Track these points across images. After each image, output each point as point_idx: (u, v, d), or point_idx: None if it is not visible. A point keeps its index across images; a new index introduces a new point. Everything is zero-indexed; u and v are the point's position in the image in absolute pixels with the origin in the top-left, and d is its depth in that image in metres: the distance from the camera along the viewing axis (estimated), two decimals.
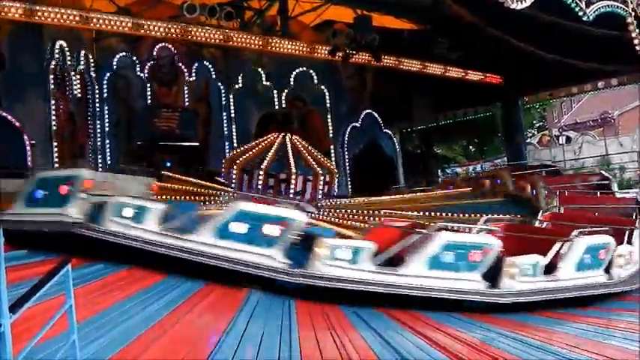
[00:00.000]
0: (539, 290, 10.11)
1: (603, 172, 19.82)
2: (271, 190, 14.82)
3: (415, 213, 14.97)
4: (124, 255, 8.76)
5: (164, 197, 13.17)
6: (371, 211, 15.64)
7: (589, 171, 23.55)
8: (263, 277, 8.91)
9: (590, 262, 10.72)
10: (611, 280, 11.04)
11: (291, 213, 9.54)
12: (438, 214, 15.42)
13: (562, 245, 10.78)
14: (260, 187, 14.86)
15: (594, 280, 10.80)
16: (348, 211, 15.49)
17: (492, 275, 9.88)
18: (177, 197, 14.40)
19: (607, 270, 11.03)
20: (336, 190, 17.67)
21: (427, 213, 15.43)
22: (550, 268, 10.48)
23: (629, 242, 11.97)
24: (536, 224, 14.15)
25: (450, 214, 15.51)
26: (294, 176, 14.91)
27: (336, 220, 14.46)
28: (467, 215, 15.08)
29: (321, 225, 13.60)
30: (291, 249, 9.30)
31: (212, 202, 14.35)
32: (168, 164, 19.57)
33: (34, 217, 8.96)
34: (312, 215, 13.37)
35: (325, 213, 15.00)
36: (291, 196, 14.88)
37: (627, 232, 12.18)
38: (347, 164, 24.54)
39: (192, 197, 14.72)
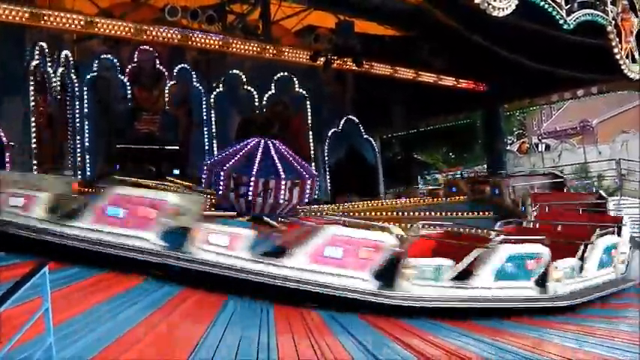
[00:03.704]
0: (443, 297, 9.71)
1: (601, 192, 19.78)
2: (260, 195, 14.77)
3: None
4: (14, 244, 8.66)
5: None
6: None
7: (587, 190, 23.55)
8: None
9: (514, 271, 10.29)
10: (544, 294, 10.62)
11: (165, 195, 9.50)
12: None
13: (482, 252, 10.33)
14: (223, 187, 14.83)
15: (518, 292, 10.39)
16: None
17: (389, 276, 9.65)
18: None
19: (541, 283, 10.67)
20: (317, 195, 17.67)
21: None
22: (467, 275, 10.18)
23: (581, 258, 11.77)
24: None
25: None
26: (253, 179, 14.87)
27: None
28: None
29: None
30: (168, 233, 9.20)
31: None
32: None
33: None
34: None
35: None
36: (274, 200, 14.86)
37: (582, 246, 11.93)
38: (327, 169, 24.54)
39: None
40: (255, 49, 19.30)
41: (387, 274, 9.47)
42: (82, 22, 16.35)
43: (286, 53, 20.12)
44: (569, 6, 17.13)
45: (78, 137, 19.26)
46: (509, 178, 20.76)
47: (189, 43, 18.35)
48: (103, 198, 9.16)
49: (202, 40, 18.37)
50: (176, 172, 20.06)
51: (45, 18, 15.67)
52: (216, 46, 18.70)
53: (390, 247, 9.51)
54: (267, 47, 19.56)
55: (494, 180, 20.62)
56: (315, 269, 9.07)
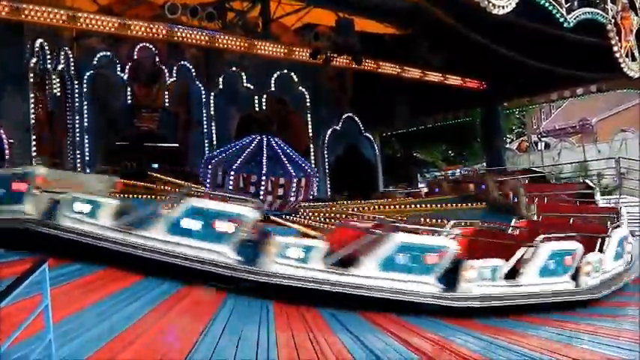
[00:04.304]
0: (498, 295, 10.12)
1: (588, 182, 19.90)
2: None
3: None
4: (78, 251, 8.67)
5: (126, 195, 13.16)
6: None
7: (572, 180, 23.68)
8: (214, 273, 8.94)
9: (555, 268, 10.77)
10: (578, 287, 11.11)
11: (244, 210, 9.48)
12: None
13: (526, 251, 10.87)
14: (232, 187, 14.80)
15: (559, 286, 10.85)
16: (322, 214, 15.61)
17: (450, 279, 9.93)
18: (140, 196, 14.33)
19: (574, 277, 11.08)
20: (316, 193, 17.65)
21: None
22: (513, 274, 10.54)
23: (601, 250, 12.08)
24: (510, 231, 14.22)
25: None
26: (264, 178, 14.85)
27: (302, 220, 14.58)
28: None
29: (284, 224, 13.79)
30: (243, 246, 9.28)
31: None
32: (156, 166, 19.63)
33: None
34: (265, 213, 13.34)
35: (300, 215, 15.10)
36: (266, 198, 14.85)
37: (599, 240, 12.31)
38: (327, 167, 24.53)
39: (157, 196, 14.66)
40: (243, 45, 19.27)
41: (449, 276, 9.86)
42: (63, 17, 16.26)
43: (285, 51, 20.13)
44: (569, 4, 17.13)
45: (77, 134, 19.25)
46: (534, 185, 20.81)
47: (175, 38, 18.29)
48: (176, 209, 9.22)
49: (189, 36, 18.32)
50: (155, 165, 19.89)
51: (25, 12, 15.58)
52: (203, 42, 18.70)
53: (453, 252, 9.81)
54: (257, 43, 19.51)
55: (480, 178, 20.70)
56: (385, 276, 9.36)
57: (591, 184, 19.45)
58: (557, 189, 19.65)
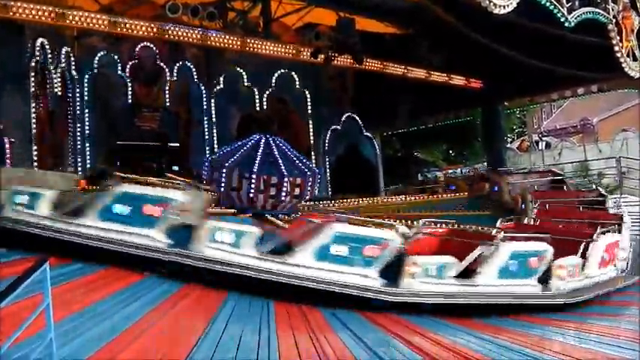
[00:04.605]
0: (445, 293, 9.76)
1: (600, 189, 19.77)
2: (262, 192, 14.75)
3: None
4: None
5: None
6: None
7: (587, 188, 23.55)
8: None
9: (518, 269, 10.30)
10: (546, 291, 10.68)
11: (172, 193, 9.36)
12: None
13: (486, 250, 10.44)
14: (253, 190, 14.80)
15: (521, 289, 10.41)
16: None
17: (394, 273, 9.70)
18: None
19: (543, 280, 10.69)
20: (317, 192, 17.66)
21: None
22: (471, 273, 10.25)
23: (583, 255, 11.77)
24: (532, 222, 14.21)
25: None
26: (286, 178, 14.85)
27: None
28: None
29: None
30: (176, 230, 9.18)
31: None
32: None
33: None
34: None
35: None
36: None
37: (583, 244, 11.93)
38: (327, 167, 24.54)
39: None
40: (244, 44, 19.26)
41: (392, 271, 9.51)
42: (52, 15, 16.22)
43: (286, 51, 20.13)
44: (570, 4, 17.14)
45: (78, 134, 19.26)
46: (509, 176, 20.71)
47: (176, 37, 18.28)
48: (108, 195, 9.13)
49: (190, 35, 18.31)
50: (175, 168, 20.00)
51: (13, 10, 15.53)
52: (204, 42, 18.70)
53: (396, 245, 9.53)
54: (257, 43, 19.50)
55: (493, 177, 20.60)
56: (321, 267, 9.09)
57: (604, 192, 19.24)
58: (571, 196, 19.41)
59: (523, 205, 17.01)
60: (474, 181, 21.56)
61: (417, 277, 9.48)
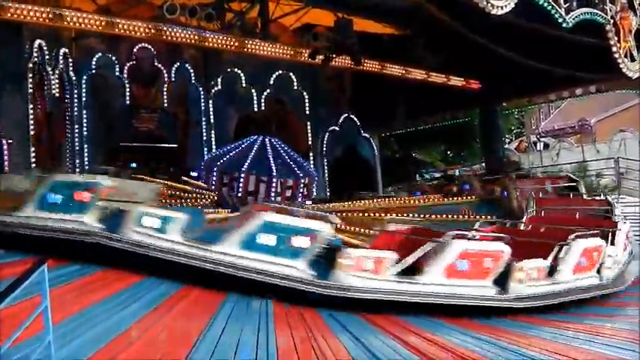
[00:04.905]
0: (544, 294, 10.26)
1: (570, 175, 19.85)
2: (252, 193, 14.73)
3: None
4: (145, 266, 8.62)
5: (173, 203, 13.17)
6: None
7: (555, 174, 23.62)
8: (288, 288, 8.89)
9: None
10: (602, 281, 11.19)
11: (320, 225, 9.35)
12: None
13: (560, 249, 10.83)
14: (241, 190, 14.79)
15: (589, 282, 10.93)
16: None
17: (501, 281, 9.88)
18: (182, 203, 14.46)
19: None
20: (315, 193, 17.65)
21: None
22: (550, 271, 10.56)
23: (613, 243, 12.03)
24: (522, 227, 14.21)
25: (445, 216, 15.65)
26: (274, 179, 14.84)
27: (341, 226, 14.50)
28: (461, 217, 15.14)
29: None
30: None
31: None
32: (134, 165, 19.67)
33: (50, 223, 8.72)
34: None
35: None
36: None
37: (611, 233, 12.26)
38: (325, 168, 24.54)
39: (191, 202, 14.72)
40: (242, 45, 19.25)
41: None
42: (50, 16, 16.18)
43: (284, 51, 20.13)
44: (567, 4, 17.14)
45: (76, 135, 19.25)
46: (519, 180, 20.60)
47: (164, 37, 18.24)
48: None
49: (188, 36, 18.28)
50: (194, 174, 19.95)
51: (11, 11, 15.40)
52: (202, 43, 18.69)
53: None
54: (255, 43, 19.50)
55: (504, 181, 20.49)
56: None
57: (573, 177, 19.35)
58: (543, 183, 19.55)
59: (505, 193, 17.13)
60: (487, 183, 21.43)
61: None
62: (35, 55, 17.27)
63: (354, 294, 9.02)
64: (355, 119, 25.45)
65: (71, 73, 19.19)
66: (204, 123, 21.90)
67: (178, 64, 21.31)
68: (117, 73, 20.25)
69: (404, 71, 22.46)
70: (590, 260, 11.32)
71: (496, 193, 18.87)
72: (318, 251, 9.29)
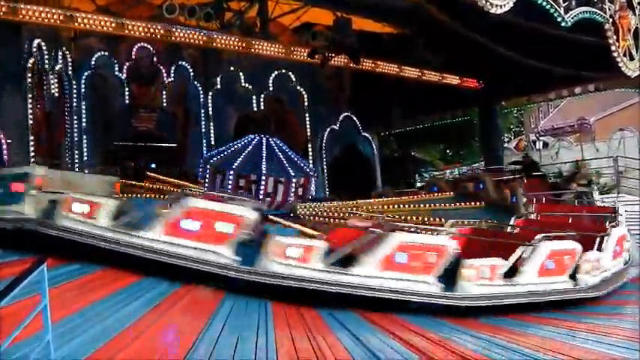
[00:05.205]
0: (497, 294, 9.99)
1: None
2: (242, 190, 14.73)
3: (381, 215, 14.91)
4: (77, 252, 8.62)
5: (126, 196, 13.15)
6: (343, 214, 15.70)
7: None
8: (212, 274, 8.83)
9: (552, 267, 10.63)
10: (577, 286, 10.97)
11: (245, 210, 9.39)
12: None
13: (525, 250, 10.77)
14: (230, 187, 14.80)
15: (558, 285, 10.72)
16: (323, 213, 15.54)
17: (449, 277, 9.77)
18: (140, 195, 14.37)
19: (572, 276, 10.94)
20: (314, 192, 17.64)
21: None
22: (512, 273, 10.43)
23: (599, 249, 11.99)
24: (509, 229, 14.17)
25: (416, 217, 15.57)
26: (264, 177, 14.84)
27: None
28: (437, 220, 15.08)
29: (282, 224, 13.57)
30: (242, 246, 9.19)
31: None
32: (153, 165, 19.63)
33: None
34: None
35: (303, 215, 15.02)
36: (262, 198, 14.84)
37: (597, 239, 12.21)
38: (325, 167, 24.54)
39: (157, 196, 14.62)
40: (241, 44, 19.26)
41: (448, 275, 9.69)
42: (61, 17, 16.28)
43: (283, 51, 20.13)
44: (566, 3, 17.14)
45: (75, 134, 19.24)
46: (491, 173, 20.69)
47: (173, 38, 18.31)
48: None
49: (187, 36, 18.32)
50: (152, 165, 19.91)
51: (23, 13, 15.59)
52: (201, 42, 18.73)
53: (453, 251, 9.69)
54: (254, 43, 19.50)
55: (479, 175, 20.56)
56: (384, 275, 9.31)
57: (587, 181, 19.40)
58: (557, 188, 19.57)
59: (514, 199, 17.06)
60: (458, 182, 21.46)
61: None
62: (34, 54, 17.27)
63: (276, 280, 8.97)
64: (354, 118, 25.43)
65: (70, 73, 19.18)
66: (203, 122, 21.89)
67: (177, 63, 21.30)
68: (116, 73, 20.24)
69: (403, 70, 22.46)
70: (559, 264, 11.04)
71: (506, 198, 18.83)
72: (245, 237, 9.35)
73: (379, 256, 9.41)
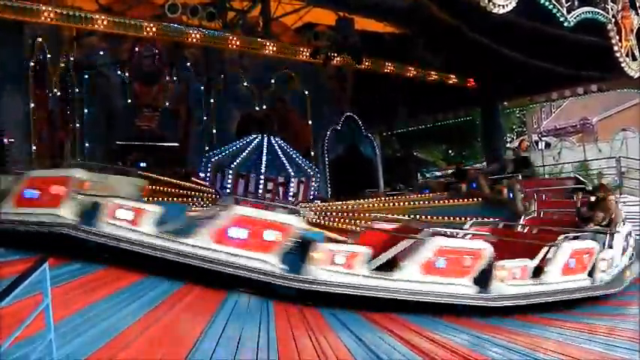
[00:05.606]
0: (527, 294, 10.13)
1: (578, 176, 19.84)
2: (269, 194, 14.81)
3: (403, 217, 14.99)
4: (118, 258, 8.66)
5: (155, 199, 13.17)
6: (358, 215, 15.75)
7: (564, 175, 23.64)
8: (259, 281, 8.89)
9: (575, 265, 10.68)
10: (594, 284, 11.13)
11: (290, 218, 9.46)
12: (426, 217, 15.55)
13: (549, 249, 10.87)
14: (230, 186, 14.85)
15: (579, 284, 10.86)
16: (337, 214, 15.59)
17: (483, 279, 9.85)
18: (167, 199, 14.46)
19: (590, 274, 11.05)
20: (316, 192, 17.65)
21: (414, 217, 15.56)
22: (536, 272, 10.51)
23: (610, 246, 12.02)
24: (519, 228, 14.19)
25: (436, 218, 15.57)
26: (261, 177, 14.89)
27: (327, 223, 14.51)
28: (452, 219, 15.11)
29: (312, 229, 13.55)
30: (287, 254, 9.24)
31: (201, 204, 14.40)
32: (143, 165, 19.59)
33: (24, 217, 8.75)
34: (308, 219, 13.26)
35: (317, 216, 15.07)
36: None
37: (608, 236, 12.23)
38: (327, 167, 24.52)
39: (181, 199, 14.70)
40: (243, 44, 19.26)
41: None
42: (57, 16, 16.25)
43: (285, 50, 20.14)
44: (569, 3, 17.10)
45: (77, 133, 19.25)
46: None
47: (175, 37, 18.27)
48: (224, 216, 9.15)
49: (189, 35, 18.28)
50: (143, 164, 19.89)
51: (45, 14, 15.60)
52: (204, 42, 18.72)
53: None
54: (257, 42, 19.50)
55: (510, 182, 20.48)
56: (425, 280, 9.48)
57: (581, 178, 19.37)
58: (550, 184, 19.56)
59: (511, 195, 17.06)
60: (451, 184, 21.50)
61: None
62: (36, 53, 17.28)
63: (322, 287, 9.06)
64: (357, 118, 25.40)
65: (72, 72, 19.19)
66: (205, 121, 21.90)
67: (180, 62, 21.30)
68: (118, 72, 20.25)
69: (405, 70, 22.45)
70: (580, 262, 11.20)
71: (502, 195, 18.78)
72: (291, 245, 9.40)
73: (420, 260, 9.57)
